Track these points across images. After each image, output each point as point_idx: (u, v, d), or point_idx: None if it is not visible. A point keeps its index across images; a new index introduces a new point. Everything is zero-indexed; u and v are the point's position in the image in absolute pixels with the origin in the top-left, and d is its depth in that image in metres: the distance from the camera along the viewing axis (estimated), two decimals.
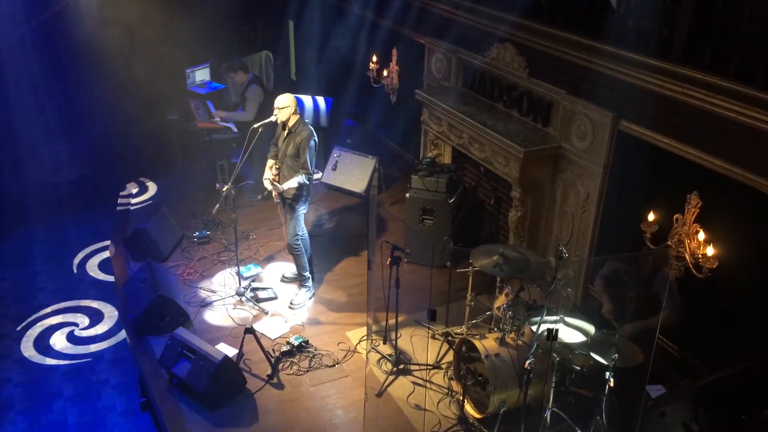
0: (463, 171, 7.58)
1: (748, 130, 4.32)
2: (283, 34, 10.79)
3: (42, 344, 6.25)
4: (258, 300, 6.29)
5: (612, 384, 4.40)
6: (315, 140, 5.82)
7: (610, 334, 4.68)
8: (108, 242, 7.46)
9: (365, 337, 5.80)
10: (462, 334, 5.44)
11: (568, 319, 4.68)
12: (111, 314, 6.66)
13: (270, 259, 7.00)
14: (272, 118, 5.82)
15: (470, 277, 5.40)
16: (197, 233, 7.26)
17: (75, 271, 7.34)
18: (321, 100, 8.93)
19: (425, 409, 5.09)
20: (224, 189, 6.08)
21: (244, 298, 6.29)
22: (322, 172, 8.43)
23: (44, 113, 9.08)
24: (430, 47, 7.71)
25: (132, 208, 8.10)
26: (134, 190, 8.50)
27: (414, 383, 5.38)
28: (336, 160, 8.46)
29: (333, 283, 6.68)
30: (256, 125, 5.85)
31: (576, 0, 5.73)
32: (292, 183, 5.76)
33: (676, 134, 4.84)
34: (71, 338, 6.34)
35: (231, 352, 5.53)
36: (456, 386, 5.23)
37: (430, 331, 5.87)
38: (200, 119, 8.39)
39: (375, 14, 8.70)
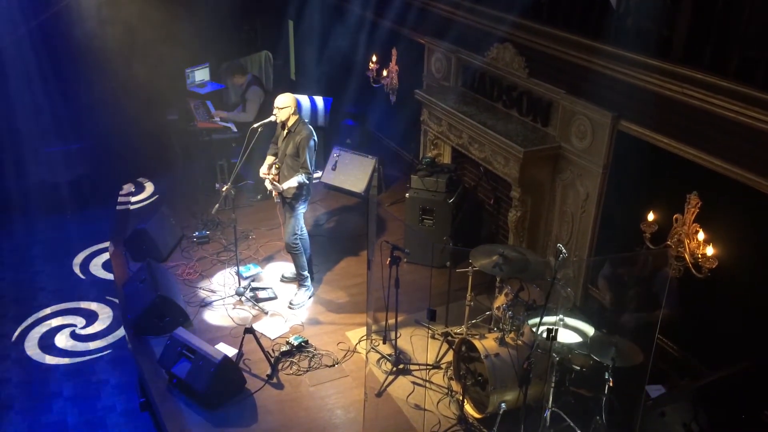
0: (463, 171, 7.57)
1: (747, 130, 4.31)
2: (282, 34, 10.79)
3: (43, 344, 6.25)
4: (257, 300, 6.29)
5: (612, 384, 4.40)
6: (315, 140, 5.83)
7: (609, 334, 4.68)
8: (108, 243, 7.45)
9: (365, 337, 5.79)
10: (462, 334, 5.43)
11: (567, 320, 4.68)
12: (108, 315, 6.66)
13: (269, 259, 6.99)
14: (272, 118, 5.83)
15: (470, 277, 5.40)
16: (197, 233, 7.25)
17: (75, 271, 7.34)
18: (320, 100, 8.92)
19: (425, 409, 5.09)
20: (224, 189, 6.07)
21: (243, 298, 6.29)
22: (322, 171, 8.43)
23: (44, 113, 9.07)
24: (430, 47, 7.71)
25: (132, 207, 8.10)
26: (132, 191, 8.49)
27: (414, 383, 5.37)
28: (336, 160, 8.45)
29: (333, 283, 6.68)
30: (255, 125, 5.85)
31: (576, 0, 5.73)
32: (292, 182, 5.77)
33: (676, 134, 4.84)
34: (72, 337, 6.34)
35: (231, 352, 5.53)
36: (456, 386, 5.23)
37: (429, 331, 5.86)
38: (200, 119, 8.40)
39: (375, 14, 8.69)
